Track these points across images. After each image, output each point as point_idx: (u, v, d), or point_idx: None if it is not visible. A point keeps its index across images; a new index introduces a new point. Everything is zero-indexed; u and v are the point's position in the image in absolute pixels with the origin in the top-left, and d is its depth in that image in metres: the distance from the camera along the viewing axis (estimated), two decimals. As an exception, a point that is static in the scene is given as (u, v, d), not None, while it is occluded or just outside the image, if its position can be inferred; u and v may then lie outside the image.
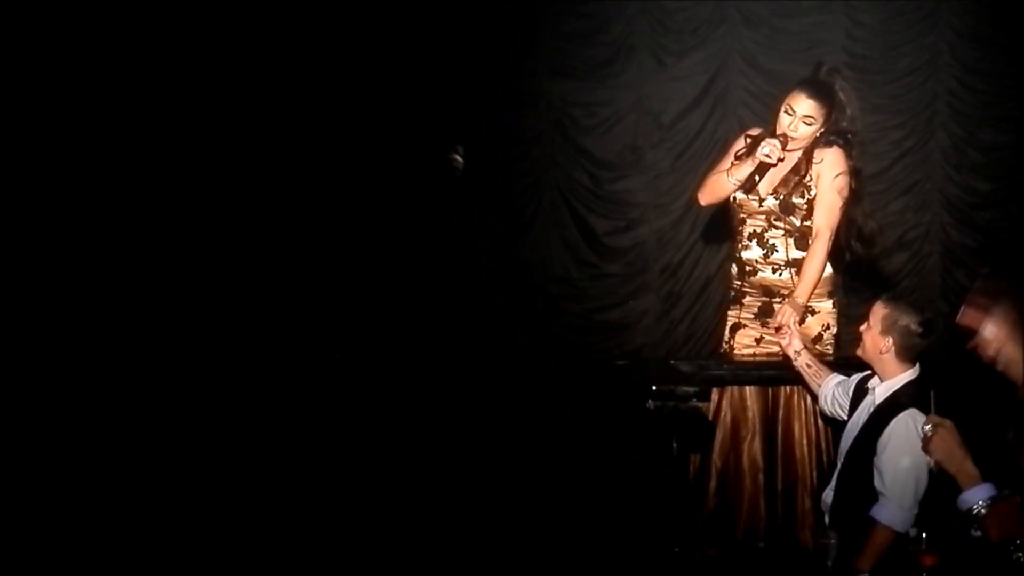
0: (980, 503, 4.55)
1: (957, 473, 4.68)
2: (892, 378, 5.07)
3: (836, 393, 5.33)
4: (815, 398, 5.49)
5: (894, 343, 5.03)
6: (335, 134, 7.48)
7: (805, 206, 5.73)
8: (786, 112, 5.61)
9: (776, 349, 5.67)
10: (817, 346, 5.69)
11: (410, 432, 6.71)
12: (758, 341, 5.83)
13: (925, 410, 4.85)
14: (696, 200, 5.96)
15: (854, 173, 5.72)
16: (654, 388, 5.30)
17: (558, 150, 7.76)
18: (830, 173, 5.70)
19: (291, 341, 7.28)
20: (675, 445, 5.33)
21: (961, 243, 7.80)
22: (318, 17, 7.41)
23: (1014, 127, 7.63)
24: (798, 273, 5.73)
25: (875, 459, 5.01)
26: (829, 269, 5.79)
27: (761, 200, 5.76)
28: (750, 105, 7.69)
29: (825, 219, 5.70)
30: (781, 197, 5.72)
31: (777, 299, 5.76)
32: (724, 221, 5.96)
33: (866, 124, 7.56)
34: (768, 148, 5.57)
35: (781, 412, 5.74)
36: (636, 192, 7.82)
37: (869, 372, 5.21)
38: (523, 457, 6.53)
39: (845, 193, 5.68)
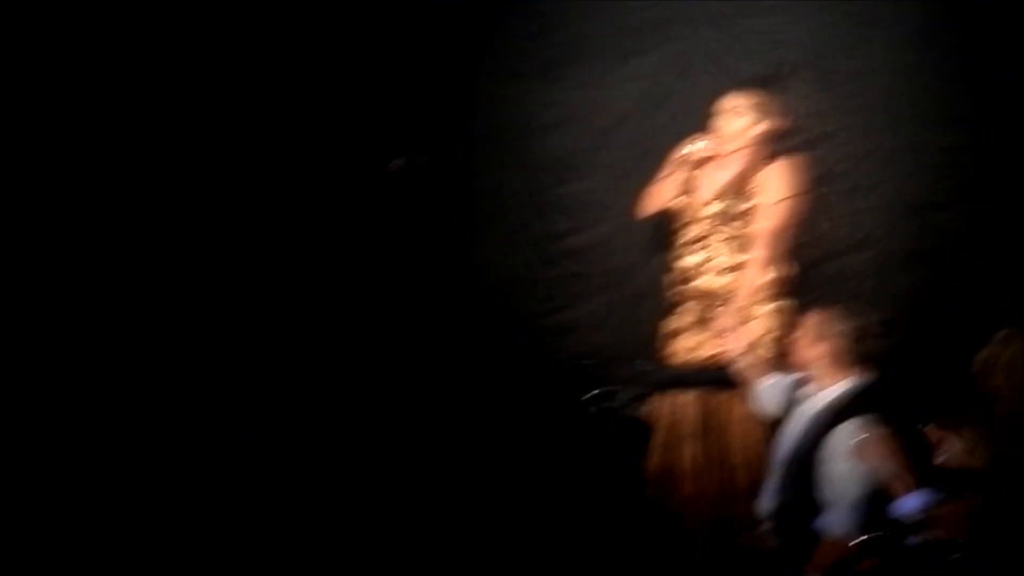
0: (916, 509, 4.53)
1: (892, 480, 4.66)
2: (829, 386, 5.02)
3: (769, 394, 5.30)
4: (753, 402, 5.46)
5: (828, 350, 5.00)
6: (285, 140, 7.41)
7: (748, 211, 5.72)
8: (720, 110, 5.61)
9: (716, 353, 5.65)
10: (760, 350, 5.65)
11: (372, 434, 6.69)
12: (698, 346, 5.81)
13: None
14: (637, 210, 5.94)
15: (809, 178, 5.70)
16: (595, 392, 5.30)
17: (505, 153, 7.67)
18: (775, 182, 5.68)
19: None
20: (613, 448, 5.33)
21: (921, 243, 7.71)
22: (267, 18, 7.35)
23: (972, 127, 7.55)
24: (740, 278, 5.71)
25: (818, 469, 4.97)
26: (773, 273, 5.75)
27: (704, 205, 5.74)
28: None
29: (769, 224, 5.67)
30: (725, 202, 5.71)
31: (718, 304, 5.73)
32: (664, 227, 5.91)
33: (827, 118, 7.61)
34: (700, 144, 5.57)
35: (720, 416, 5.73)
36: (593, 194, 7.73)
37: (802, 376, 5.17)
38: (467, 460, 6.50)
39: (791, 202, 5.65)
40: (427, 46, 7.59)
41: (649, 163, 6.81)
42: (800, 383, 5.23)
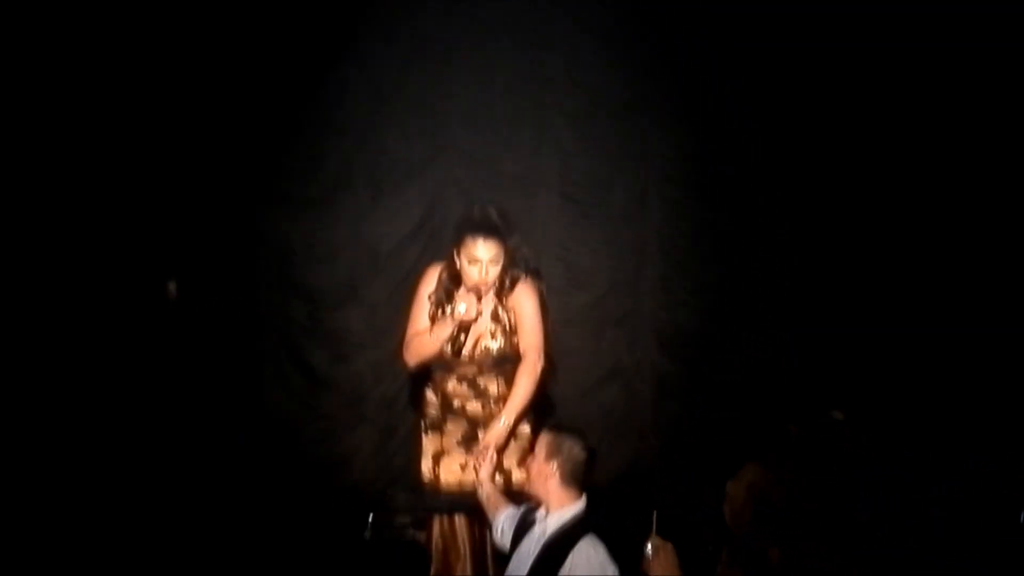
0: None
1: None
2: (560, 508, 5.09)
3: (504, 526, 5.34)
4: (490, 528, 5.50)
5: (558, 469, 5.08)
6: (63, 265, 7.23)
7: (513, 350, 5.82)
8: (469, 263, 5.68)
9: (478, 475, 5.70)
10: (522, 468, 5.71)
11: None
12: (463, 468, 5.85)
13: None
14: (403, 360, 5.96)
15: (543, 296, 5.88)
16: (371, 518, 5.24)
17: (273, 283, 7.66)
18: (528, 303, 5.80)
19: None
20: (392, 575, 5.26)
21: (672, 376, 7.98)
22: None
23: (721, 265, 7.92)
24: (499, 406, 5.81)
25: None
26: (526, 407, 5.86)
27: (472, 355, 5.83)
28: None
29: (532, 341, 5.78)
30: (491, 350, 5.81)
31: (481, 427, 5.80)
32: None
33: (581, 254, 7.87)
34: (464, 306, 5.65)
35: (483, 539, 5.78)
36: (352, 324, 7.76)
37: (533, 505, 5.23)
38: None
39: (542, 316, 5.80)
40: (208, 169, 7.55)
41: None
42: (529, 509, 5.25)
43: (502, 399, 5.81)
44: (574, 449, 5.10)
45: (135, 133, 7.37)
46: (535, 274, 5.89)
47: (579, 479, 5.12)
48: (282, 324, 7.78)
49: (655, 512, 4.85)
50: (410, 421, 7.14)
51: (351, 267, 7.82)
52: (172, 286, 7.02)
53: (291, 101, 7.64)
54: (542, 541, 5.04)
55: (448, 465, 5.87)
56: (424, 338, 5.77)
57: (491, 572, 5.78)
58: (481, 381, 5.84)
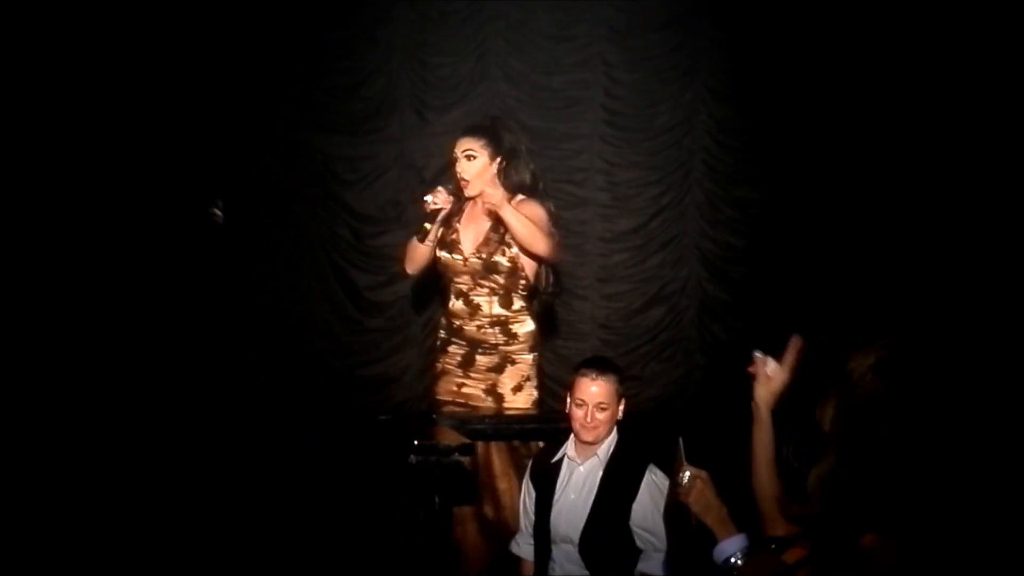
0: (737, 554, 4.63)
1: (714, 524, 4.75)
2: (604, 441, 5.13)
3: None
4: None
5: (624, 408, 5.14)
6: (90, 182, 7.26)
7: (508, 264, 5.86)
8: (451, 160, 5.78)
9: (472, 393, 5.81)
10: (518, 396, 5.78)
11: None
12: (459, 387, 5.95)
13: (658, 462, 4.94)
14: (402, 268, 6.06)
15: (554, 219, 5.89)
16: (416, 443, 5.26)
17: (320, 204, 7.69)
18: (535, 215, 5.83)
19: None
20: (437, 500, 5.30)
21: (716, 297, 7.98)
22: (79, 58, 7.21)
23: (766, 184, 7.86)
24: (503, 331, 5.85)
25: (633, 522, 5.02)
26: (531, 325, 5.90)
27: (465, 260, 5.88)
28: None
29: (528, 271, 5.87)
30: (483, 256, 5.85)
31: (480, 351, 5.88)
32: (436, 278, 6.02)
33: (624, 180, 7.84)
34: (430, 196, 5.73)
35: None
36: (398, 247, 7.78)
37: (539, 457, 5.28)
38: (286, 513, 6.44)
39: (546, 246, 5.82)
40: (248, 98, 7.56)
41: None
42: (546, 454, 5.27)
43: (498, 322, 5.89)
44: (624, 384, 5.17)
45: (179, 56, 7.39)
46: (539, 193, 5.93)
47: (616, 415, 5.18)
48: (329, 245, 7.84)
49: (680, 439, 4.83)
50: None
51: (396, 188, 7.86)
52: (219, 209, 7.04)
53: (336, 23, 7.63)
54: (595, 478, 5.07)
55: (446, 385, 6.00)
56: (413, 241, 5.90)
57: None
58: (474, 297, 5.92)
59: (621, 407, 5.21)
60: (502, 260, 5.86)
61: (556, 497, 5.17)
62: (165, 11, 7.33)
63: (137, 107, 7.34)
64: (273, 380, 7.57)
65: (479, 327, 5.95)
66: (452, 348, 5.99)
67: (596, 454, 5.14)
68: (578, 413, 5.13)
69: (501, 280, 5.89)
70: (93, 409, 6.94)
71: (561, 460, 5.23)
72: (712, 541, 4.80)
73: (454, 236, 5.93)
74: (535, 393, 5.99)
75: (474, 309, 5.94)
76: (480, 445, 5.90)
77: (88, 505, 6.29)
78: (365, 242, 7.83)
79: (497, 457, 5.96)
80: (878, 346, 4.82)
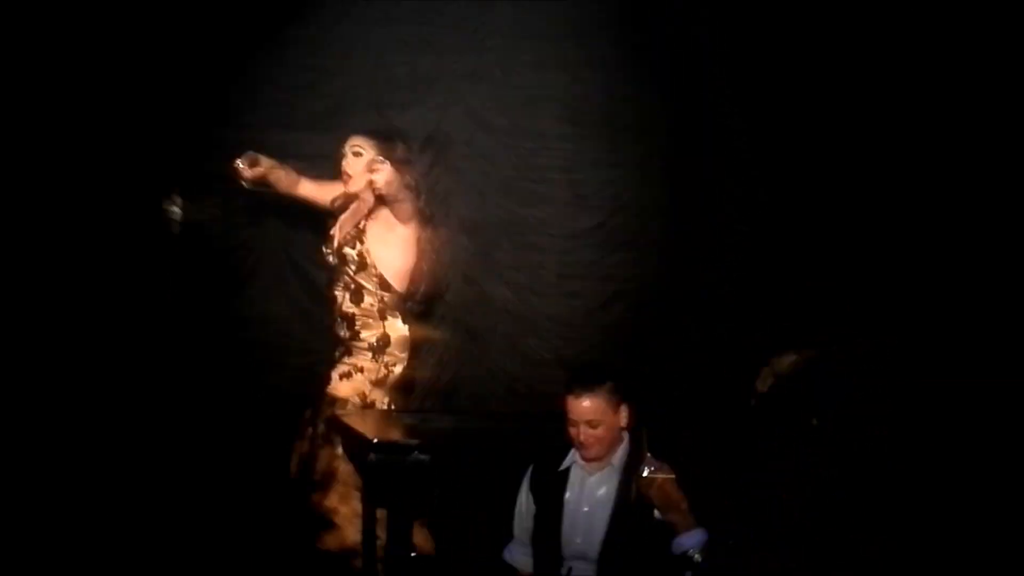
0: (695, 548, 4.64)
1: (674, 518, 4.76)
2: (615, 450, 4.99)
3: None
4: None
5: (628, 415, 4.98)
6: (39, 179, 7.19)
7: (356, 257, 5.93)
8: (338, 156, 6.26)
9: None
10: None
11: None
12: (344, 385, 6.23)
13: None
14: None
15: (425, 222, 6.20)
16: (375, 441, 5.25)
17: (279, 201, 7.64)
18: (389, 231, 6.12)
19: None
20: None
21: (678, 295, 7.94)
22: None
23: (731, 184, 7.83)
24: (349, 328, 6.21)
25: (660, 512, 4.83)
26: (404, 330, 6.15)
27: (332, 251, 6.00)
28: (469, 156, 7.79)
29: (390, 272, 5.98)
30: (345, 249, 5.94)
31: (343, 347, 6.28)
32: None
33: (584, 178, 7.81)
34: (241, 160, 6.21)
35: None
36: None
37: (540, 463, 5.14)
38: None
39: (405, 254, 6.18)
40: (201, 95, 7.48)
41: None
42: (546, 464, 5.12)
43: (345, 318, 6.23)
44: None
45: (129, 51, 7.34)
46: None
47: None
48: (285, 241, 7.80)
49: (644, 430, 4.79)
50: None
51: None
52: (176, 206, 7.01)
53: (292, 20, 7.59)
54: (613, 483, 4.96)
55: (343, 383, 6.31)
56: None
57: None
58: (340, 289, 6.26)
59: (623, 414, 5.00)
60: (351, 252, 5.92)
61: (565, 510, 4.99)
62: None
63: (88, 102, 7.28)
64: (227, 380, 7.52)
65: (342, 321, 6.26)
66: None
67: (610, 462, 4.99)
68: (571, 432, 4.95)
69: (352, 272, 5.96)
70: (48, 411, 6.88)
71: (568, 468, 5.07)
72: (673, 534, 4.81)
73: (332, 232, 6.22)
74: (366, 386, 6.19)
75: (329, 304, 6.26)
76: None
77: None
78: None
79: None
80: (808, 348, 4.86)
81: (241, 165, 6.15)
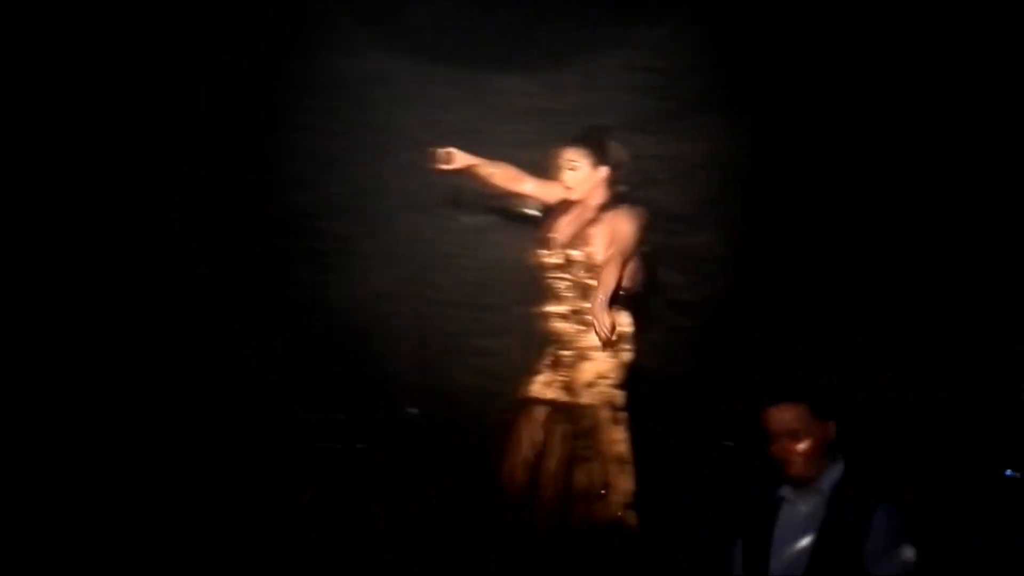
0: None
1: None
2: (826, 474, 4.60)
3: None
4: None
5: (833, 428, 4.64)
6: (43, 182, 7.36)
7: (584, 259, 6.20)
8: (558, 163, 6.34)
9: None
10: (593, 390, 6.16)
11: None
12: (546, 386, 6.30)
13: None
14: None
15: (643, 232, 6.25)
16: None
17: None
18: (613, 230, 6.20)
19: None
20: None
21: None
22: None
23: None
24: (580, 322, 6.20)
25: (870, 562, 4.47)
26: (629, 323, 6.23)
27: (551, 255, 6.32)
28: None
29: (608, 271, 6.08)
30: (567, 252, 6.26)
31: (563, 348, 6.29)
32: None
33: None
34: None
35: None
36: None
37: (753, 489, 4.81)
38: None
39: (627, 249, 6.17)
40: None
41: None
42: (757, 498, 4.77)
43: (574, 317, 6.21)
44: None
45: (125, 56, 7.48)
46: (632, 206, 6.25)
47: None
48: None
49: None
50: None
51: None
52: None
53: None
54: (817, 517, 4.44)
55: (537, 382, 6.31)
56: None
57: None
58: (560, 291, 6.28)
59: (830, 431, 4.66)
60: (576, 254, 6.23)
61: (774, 547, 4.56)
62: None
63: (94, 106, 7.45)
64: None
65: (560, 322, 6.31)
66: (547, 348, 6.35)
67: (819, 490, 4.56)
68: (774, 448, 4.60)
69: (580, 277, 6.23)
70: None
71: (779, 502, 4.65)
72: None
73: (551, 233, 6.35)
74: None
75: (559, 304, 6.33)
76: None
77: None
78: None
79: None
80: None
81: (438, 158, 6.38)
